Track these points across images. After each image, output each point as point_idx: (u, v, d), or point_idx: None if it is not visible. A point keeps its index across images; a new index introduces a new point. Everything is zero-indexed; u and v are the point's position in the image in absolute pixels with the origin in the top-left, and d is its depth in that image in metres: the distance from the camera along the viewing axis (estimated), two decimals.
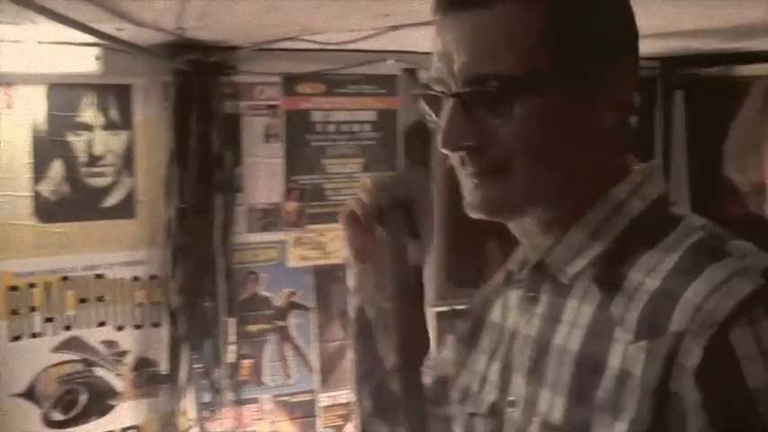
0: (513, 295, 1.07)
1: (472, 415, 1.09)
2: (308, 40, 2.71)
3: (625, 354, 0.88)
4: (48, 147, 2.76)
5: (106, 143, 2.84)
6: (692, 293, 0.85)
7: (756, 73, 2.60)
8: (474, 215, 0.98)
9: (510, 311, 1.08)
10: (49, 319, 2.79)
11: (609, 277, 0.93)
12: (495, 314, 1.13)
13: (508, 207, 0.97)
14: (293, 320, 3.15)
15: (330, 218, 3.07)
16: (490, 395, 1.06)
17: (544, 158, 0.93)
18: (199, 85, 2.85)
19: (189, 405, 2.98)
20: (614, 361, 0.89)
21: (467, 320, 1.19)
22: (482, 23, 0.92)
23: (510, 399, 1.02)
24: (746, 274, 0.85)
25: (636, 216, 0.96)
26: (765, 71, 2.12)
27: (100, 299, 2.85)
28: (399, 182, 1.25)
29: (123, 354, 2.90)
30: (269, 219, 3.09)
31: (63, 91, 2.77)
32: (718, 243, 0.91)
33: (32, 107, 2.74)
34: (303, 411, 3.17)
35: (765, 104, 1.87)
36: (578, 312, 0.95)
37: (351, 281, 1.31)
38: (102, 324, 2.87)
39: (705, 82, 3.43)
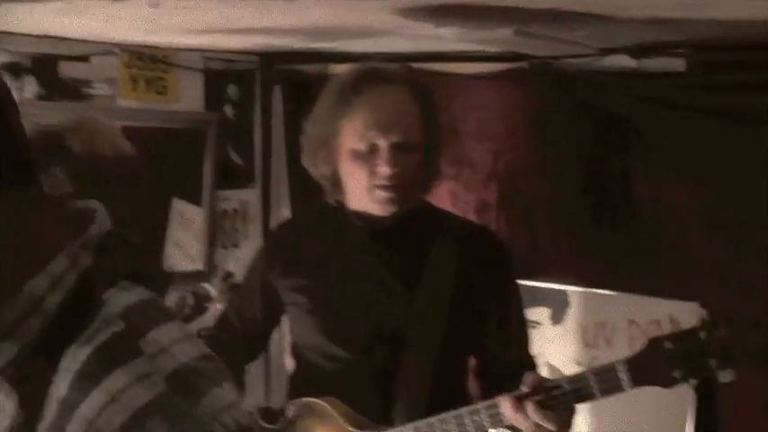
0: None
1: None
2: None
3: None
4: None
5: None
6: (87, 406, 0.77)
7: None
8: None
9: None
10: None
11: (23, 385, 0.82)
12: None
13: None
14: None
15: None
16: None
17: None
18: None
19: None
20: None
21: None
22: None
23: None
24: (147, 380, 0.77)
25: (54, 313, 0.82)
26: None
27: None
28: None
29: None
30: None
31: None
32: (131, 339, 0.80)
33: None
34: None
35: (337, 101, 1.99)
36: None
37: None
38: None
39: (301, 78, 3.57)
